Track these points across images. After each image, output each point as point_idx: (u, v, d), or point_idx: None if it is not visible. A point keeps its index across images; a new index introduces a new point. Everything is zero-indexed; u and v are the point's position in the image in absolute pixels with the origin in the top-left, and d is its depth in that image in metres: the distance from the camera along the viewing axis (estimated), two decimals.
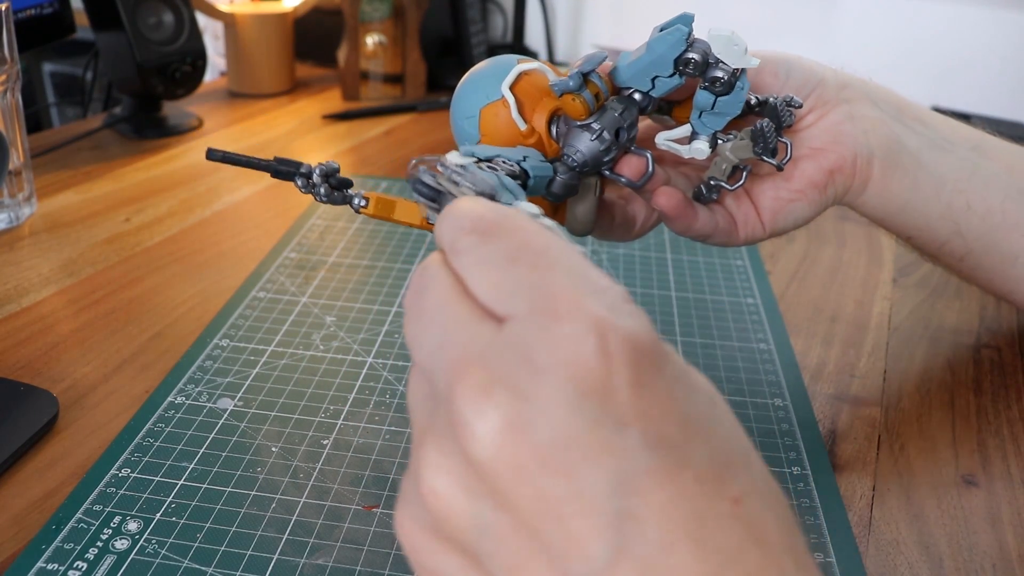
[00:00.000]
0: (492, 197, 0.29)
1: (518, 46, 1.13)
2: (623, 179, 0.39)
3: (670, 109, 0.42)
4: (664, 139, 0.40)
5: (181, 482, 0.39)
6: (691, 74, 0.37)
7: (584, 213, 0.40)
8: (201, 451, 0.41)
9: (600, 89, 0.38)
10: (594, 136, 0.37)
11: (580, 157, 0.37)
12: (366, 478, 0.40)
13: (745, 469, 0.20)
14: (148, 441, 0.42)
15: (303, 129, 0.89)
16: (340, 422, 0.44)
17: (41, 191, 0.70)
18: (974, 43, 0.97)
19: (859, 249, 0.66)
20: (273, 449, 0.42)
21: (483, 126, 0.37)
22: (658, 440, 0.19)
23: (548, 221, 0.25)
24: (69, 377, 0.47)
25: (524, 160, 0.36)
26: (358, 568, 0.35)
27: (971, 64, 0.98)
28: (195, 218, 0.67)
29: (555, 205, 0.40)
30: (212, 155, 0.37)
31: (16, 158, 0.63)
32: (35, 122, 1.34)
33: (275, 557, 0.35)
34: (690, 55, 0.37)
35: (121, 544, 0.36)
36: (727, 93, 0.38)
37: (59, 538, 0.36)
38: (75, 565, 0.34)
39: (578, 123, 0.38)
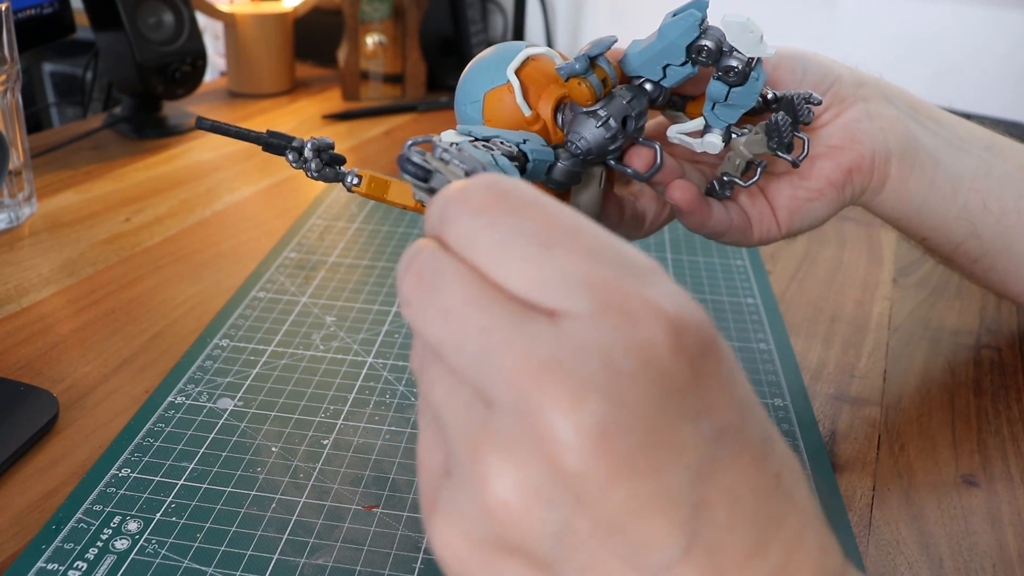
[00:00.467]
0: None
1: None
2: (630, 170, 0.38)
3: (684, 105, 0.41)
4: (676, 132, 0.39)
5: (181, 482, 0.39)
6: (704, 63, 0.36)
7: (588, 204, 0.39)
8: (201, 451, 0.41)
9: (608, 74, 0.36)
10: (600, 123, 0.36)
11: (584, 144, 0.36)
12: (366, 478, 0.40)
13: (778, 441, 0.21)
14: (148, 441, 0.42)
15: (303, 129, 0.89)
16: (340, 422, 0.44)
17: (41, 191, 0.70)
18: (974, 43, 0.97)
19: (859, 249, 0.66)
20: (273, 449, 0.42)
21: (487, 111, 0.36)
22: (723, 428, 0.19)
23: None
24: (69, 377, 0.47)
25: (524, 143, 0.35)
26: (358, 568, 0.35)
27: (971, 64, 0.98)
28: (195, 218, 0.67)
29: (558, 194, 0.38)
30: (202, 124, 0.37)
31: (16, 158, 0.63)
32: (35, 122, 1.34)
33: (275, 557, 0.35)
34: (703, 42, 0.35)
35: (121, 544, 0.36)
36: (741, 84, 0.37)
37: (59, 538, 0.36)
38: (75, 565, 0.34)
39: (584, 109, 0.36)
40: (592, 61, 0.35)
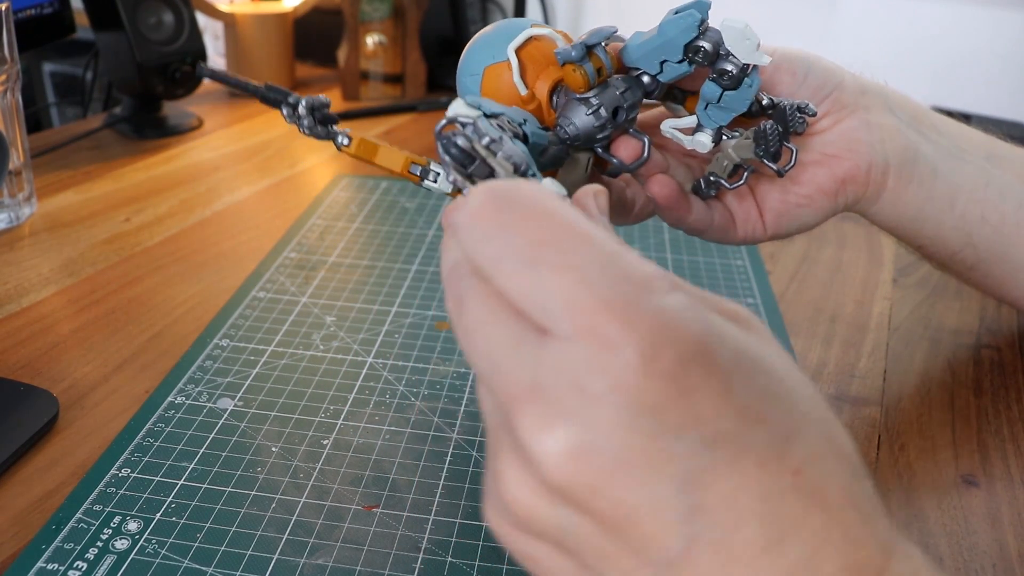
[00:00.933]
0: (524, 173, 0.28)
1: None
2: (615, 160, 0.38)
3: (683, 98, 0.41)
4: (669, 127, 0.40)
5: (181, 482, 0.39)
6: (700, 63, 0.36)
7: (573, 186, 0.39)
8: (201, 451, 0.41)
9: (604, 64, 0.36)
10: (590, 111, 0.36)
11: (572, 130, 0.37)
12: (366, 478, 0.40)
13: (804, 435, 0.21)
14: (148, 441, 0.42)
15: None
16: (340, 422, 0.44)
17: (41, 191, 0.70)
18: (974, 43, 0.97)
19: (859, 249, 0.66)
20: (273, 449, 0.42)
21: (485, 85, 0.37)
22: (715, 437, 0.20)
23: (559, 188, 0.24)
24: (69, 377, 0.47)
25: (525, 123, 0.35)
26: (358, 568, 0.35)
27: (971, 64, 0.98)
28: (195, 218, 0.67)
29: (545, 173, 0.39)
30: (201, 72, 0.37)
31: (16, 158, 0.63)
32: (35, 122, 1.34)
33: (275, 557, 0.35)
34: (700, 43, 0.36)
35: (121, 544, 0.36)
36: (734, 88, 0.37)
37: (59, 538, 0.36)
38: (75, 565, 0.34)
39: (576, 96, 0.36)
40: (589, 49, 0.36)
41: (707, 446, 0.20)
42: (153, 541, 0.36)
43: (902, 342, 0.54)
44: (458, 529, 0.38)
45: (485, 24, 1.10)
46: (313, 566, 0.35)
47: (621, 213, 0.42)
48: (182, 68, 0.84)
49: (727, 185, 0.41)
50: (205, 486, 0.39)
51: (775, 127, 0.38)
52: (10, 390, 0.44)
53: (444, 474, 0.41)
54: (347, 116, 0.93)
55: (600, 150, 0.38)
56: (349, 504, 0.39)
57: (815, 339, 0.54)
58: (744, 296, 0.58)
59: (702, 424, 0.20)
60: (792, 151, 0.40)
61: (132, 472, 0.40)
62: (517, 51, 0.36)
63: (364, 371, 0.48)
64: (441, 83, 1.02)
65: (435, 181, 0.37)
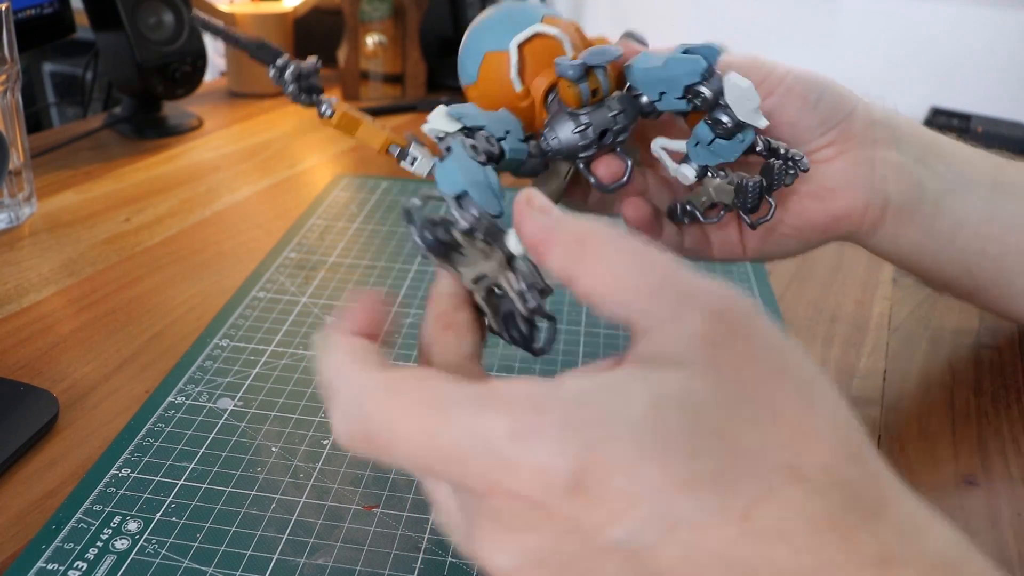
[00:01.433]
0: (496, 231, 0.28)
1: None
2: (593, 180, 0.38)
3: (686, 113, 0.40)
4: (659, 146, 0.39)
5: (181, 482, 0.39)
6: (697, 106, 0.36)
7: (551, 192, 0.39)
8: (201, 451, 0.41)
9: (600, 86, 0.36)
10: (578, 128, 0.36)
11: (556, 144, 0.36)
12: (366, 478, 0.40)
13: (750, 476, 0.20)
14: (148, 441, 0.42)
15: (303, 129, 0.90)
16: None
17: (41, 191, 0.70)
18: (974, 43, 0.97)
19: (859, 249, 0.65)
20: (273, 449, 0.42)
21: (483, 70, 0.36)
22: (641, 523, 0.20)
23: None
24: (69, 377, 0.47)
25: (507, 134, 0.35)
26: (358, 568, 0.35)
27: (971, 64, 0.98)
28: (195, 218, 0.67)
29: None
30: (194, 21, 0.37)
31: (16, 158, 0.63)
32: (35, 122, 1.34)
33: (275, 557, 0.35)
34: (701, 89, 0.35)
35: (121, 544, 0.36)
36: (726, 139, 0.37)
37: (59, 538, 0.36)
38: (75, 565, 0.34)
39: (568, 110, 0.36)
40: (589, 69, 0.35)
41: (631, 537, 0.20)
42: (153, 541, 0.36)
43: (902, 342, 0.54)
44: None
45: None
46: (313, 566, 0.35)
47: (600, 210, 0.42)
48: (182, 68, 0.84)
49: (702, 219, 0.40)
50: (205, 486, 0.39)
51: (757, 185, 0.38)
52: (10, 390, 0.44)
53: None
54: None
55: (581, 165, 0.38)
56: (349, 504, 0.39)
57: (815, 339, 0.54)
58: None
59: (614, 523, 0.20)
60: (771, 206, 0.39)
61: (132, 472, 0.40)
62: (520, 45, 0.36)
63: None
64: (441, 83, 1.02)
65: (412, 164, 0.36)
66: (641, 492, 0.20)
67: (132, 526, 0.37)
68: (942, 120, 0.92)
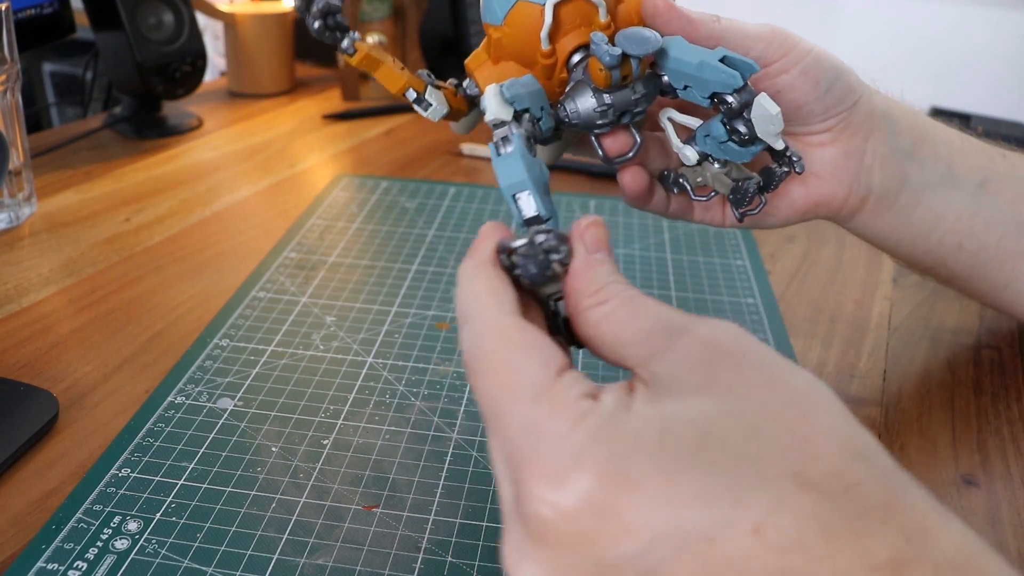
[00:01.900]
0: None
1: None
2: (600, 152, 0.38)
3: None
4: (667, 118, 0.39)
5: (181, 482, 0.39)
6: (720, 112, 0.36)
7: (549, 154, 0.40)
8: (201, 451, 0.41)
9: (632, 73, 0.35)
10: (599, 107, 0.36)
11: (575, 117, 0.36)
12: (366, 478, 0.40)
13: (758, 487, 0.20)
14: (148, 441, 0.42)
15: (303, 129, 0.89)
16: (340, 422, 0.44)
17: (41, 191, 0.70)
18: (974, 43, 0.97)
19: (859, 249, 0.66)
20: (273, 449, 0.42)
21: (512, 16, 0.36)
22: (653, 541, 0.20)
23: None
24: (69, 377, 0.47)
25: (542, 115, 0.35)
26: (358, 568, 0.35)
27: (971, 64, 0.98)
28: (195, 218, 0.67)
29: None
30: None
31: (16, 158, 0.63)
32: (35, 122, 1.34)
33: (275, 557, 0.35)
34: (729, 99, 0.35)
35: (121, 544, 0.36)
36: (739, 146, 0.37)
37: (59, 538, 0.36)
38: (75, 565, 0.34)
39: (593, 85, 0.36)
40: (625, 58, 0.35)
41: (645, 551, 0.20)
42: (153, 541, 0.36)
43: (902, 342, 0.54)
44: (458, 529, 0.38)
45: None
46: (313, 566, 0.35)
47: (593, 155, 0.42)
48: (182, 68, 0.84)
49: (692, 195, 0.41)
50: (205, 486, 0.39)
51: (755, 186, 0.38)
52: (10, 390, 0.44)
53: (444, 474, 0.41)
54: (347, 116, 0.93)
55: (592, 136, 0.38)
56: (349, 504, 0.39)
57: (815, 339, 0.54)
58: (744, 296, 0.58)
59: (628, 538, 0.20)
60: (762, 201, 0.40)
61: (132, 472, 0.40)
62: (556, 6, 0.35)
63: (364, 371, 0.48)
64: None
65: (426, 110, 0.37)
66: (653, 508, 0.20)
67: (132, 526, 0.37)
68: (942, 120, 0.92)
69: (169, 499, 0.38)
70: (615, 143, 0.38)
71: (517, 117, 0.34)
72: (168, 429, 0.43)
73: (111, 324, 0.52)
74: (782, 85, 0.39)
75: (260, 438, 0.43)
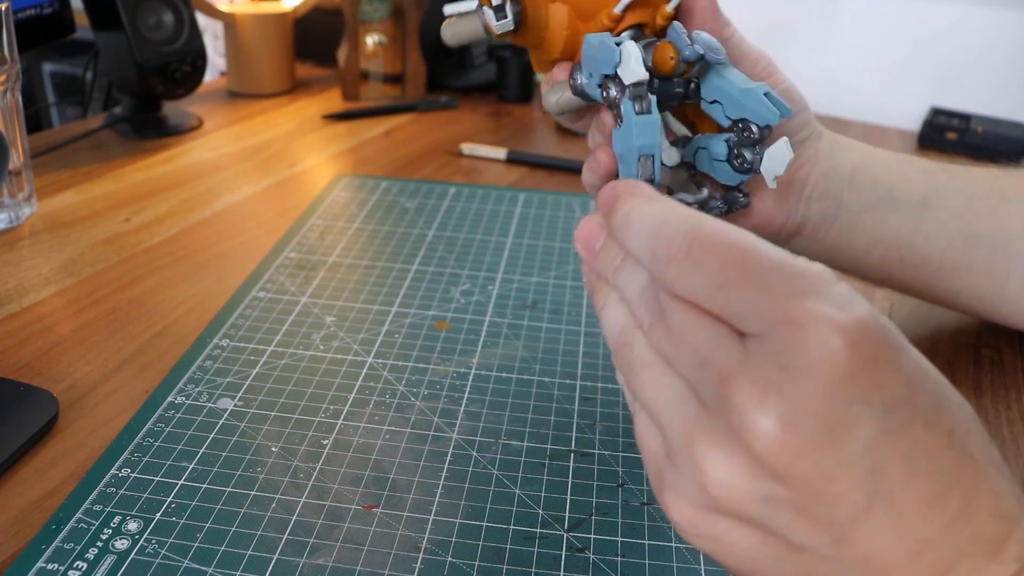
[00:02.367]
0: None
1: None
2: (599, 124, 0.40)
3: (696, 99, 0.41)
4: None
5: (181, 482, 0.39)
6: (737, 136, 0.37)
7: (559, 101, 0.41)
8: (201, 451, 0.41)
9: (692, 72, 0.37)
10: (636, 104, 0.35)
11: (578, 80, 0.37)
12: (366, 478, 0.40)
13: (948, 402, 0.24)
14: (148, 441, 0.42)
15: (303, 129, 0.89)
16: (340, 422, 0.44)
17: (41, 191, 0.70)
18: (974, 43, 0.97)
19: None
20: (273, 449, 0.42)
21: None
22: (893, 403, 0.23)
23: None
24: (69, 377, 0.47)
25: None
26: (358, 568, 0.35)
27: (971, 64, 0.98)
28: (195, 218, 0.67)
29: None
30: None
31: (16, 158, 0.63)
32: (35, 122, 1.34)
33: (275, 557, 0.35)
34: (754, 128, 0.36)
35: (121, 544, 0.36)
36: (732, 170, 0.38)
37: (59, 538, 0.36)
38: (75, 565, 0.34)
39: (650, 66, 0.36)
40: (701, 57, 0.36)
41: (888, 411, 0.23)
42: (153, 541, 0.36)
43: None
44: (458, 529, 0.38)
45: None
46: (313, 566, 0.35)
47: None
48: (182, 68, 0.84)
49: (655, 187, 0.41)
50: (205, 486, 0.39)
51: (719, 208, 0.40)
52: (10, 390, 0.44)
53: (444, 474, 0.41)
54: (347, 116, 0.93)
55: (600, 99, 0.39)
56: (349, 504, 0.39)
57: None
58: None
59: (884, 391, 0.23)
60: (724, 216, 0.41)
61: (132, 472, 0.40)
62: None
63: (364, 371, 0.48)
64: (441, 83, 1.02)
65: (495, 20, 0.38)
66: (900, 377, 0.23)
67: (132, 526, 0.37)
68: (942, 120, 0.92)
69: (169, 499, 0.38)
70: (611, 119, 0.39)
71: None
72: (168, 429, 0.43)
73: (111, 324, 0.52)
74: None
75: (260, 438, 0.43)
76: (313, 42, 1.09)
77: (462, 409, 0.45)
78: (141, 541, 0.36)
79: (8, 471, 0.40)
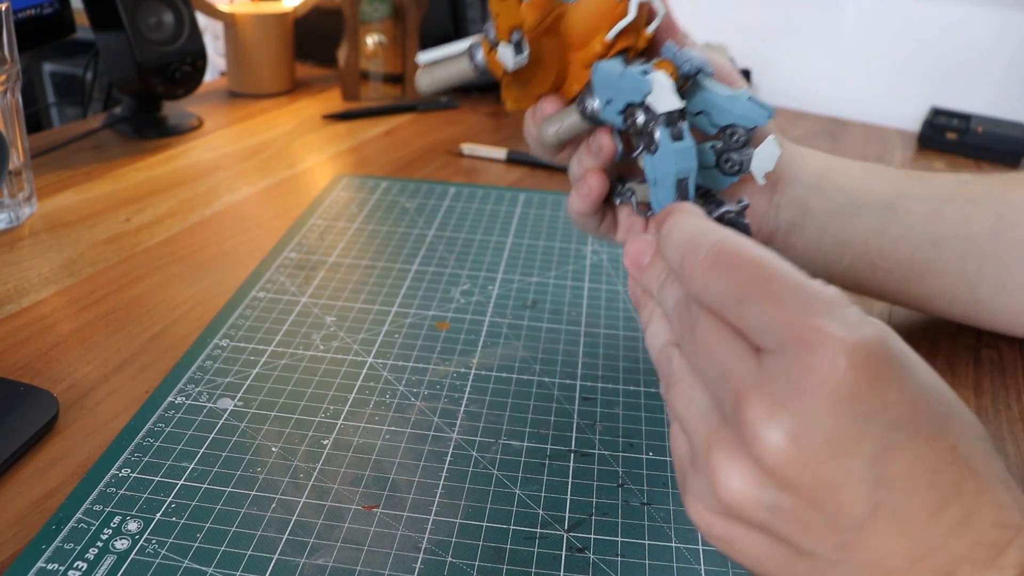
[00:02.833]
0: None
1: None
2: (620, 149, 0.40)
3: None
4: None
5: (181, 482, 0.39)
6: (725, 139, 0.38)
7: (559, 130, 0.41)
8: (201, 451, 0.41)
9: (687, 85, 0.37)
10: (671, 130, 0.36)
11: (590, 106, 0.38)
12: (366, 478, 0.40)
13: (954, 416, 0.25)
14: (148, 441, 0.42)
15: (303, 129, 0.89)
16: (340, 422, 0.44)
17: (41, 191, 0.70)
18: (974, 43, 0.97)
19: None
20: (273, 449, 0.42)
21: None
22: (897, 420, 0.24)
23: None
24: (69, 377, 0.47)
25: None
26: (358, 568, 0.35)
27: (971, 64, 0.98)
28: (195, 218, 0.67)
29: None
30: None
31: (16, 158, 0.63)
32: (35, 122, 1.34)
33: (275, 557, 0.35)
34: (740, 131, 0.37)
35: (121, 544, 0.36)
36: (724, 174, 0.39)
37: (59, 538, 0.36)
38: (75, 565, 0.35)
39: (671, 112, 0.36)
40: (699, 71, 0.37)
41: (891, 427, 0.24)
42: (153, 541, 0.36)
43: None
44: (458, 529, 0.38)
45: (485, 24, 1.10)
46: (313, 566, 0.35)
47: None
48: (182, 68, 0.84)
49: (635, 208, 0.42)
50: (205, 486, 0.39)
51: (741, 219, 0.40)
52: (10, 390, 0.44)
53: (444, 474, 0.41)
54: (347, 116, 0.93)
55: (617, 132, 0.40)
56: (349, 504, 0.39)
57: None
58: None
59: (887, 408, 0.24)
60: None
61: (132, 472, 0.40)
62: (640, 4, 0.37)
63: (364, 371, 0.48)
64: None
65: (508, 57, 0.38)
66: (904, 393, 0.24)
67: (132, 526, 0.37)
68: (942, 120, 0.92)
69: (169, 499, 0.38)
70: (611, 142, 0.40)
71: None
72: (168, 429, 0.43)
73: (111, 324, 0.52)
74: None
75: (260, 438, 0.43)
76: (313, 42, 1.09)
77: (462, 409, 0.45)
78: (141, 541, 0.36)
79: (8, 471, 0.40)
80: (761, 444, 0.24)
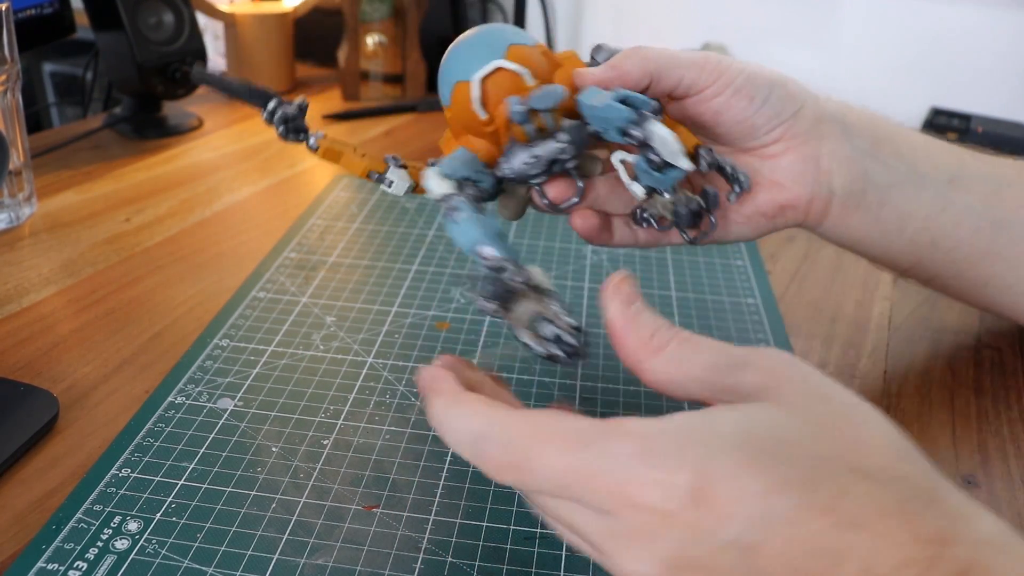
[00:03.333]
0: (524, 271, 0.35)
1: None
2: (545, 200, 0.41)
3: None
4: (618, 160, 0.40)
5: (181, 482, 0.39)
6: (627, 139, 0.38)
7: (511, 209, 0.44)
8: (201, 451, 0.41)
9: (546, 124, 0.38)
10: (529, 159, 0.39)
11: (509, 172, 0.40)
12: (366, 478, 0.40)
13: (828, 477, 0.25)
14: (148, 441, 0.42)
15: None
16: (340, 422, 0.44)
17: (41, 191, 0.70)
18: (974, 43, 0.97)
19: None
20: (273, 449, 0.42)
21: (455, 97, 0.40)
22: (743, 528, 0.24)
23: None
24: (69, 377, 0.47)
25: (481, 177, 0.40)
26: (358, 568, 0.35)
27: (971, 64, 0.98)
28: (195, 218, 0.67)
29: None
30: (196, 76, 0.42)
31: (16, 158, 0.63)
32: (35, 122, 1.34)
33: (275, 557, 0.36)
34: (635, 132, 0.37)
35: (121, 544, 0.36)
36: (658, 172, 0.39)
37: (59, 538, 0.36)
38: (75, 565, 0.35)
39: (519, 144, 0.39)
40: (534, 112, 0.38)
41: (738, 541, 0.24)
42: (153, 541, 0.36)
43: (902, 342, 0.54)
44: (458, 529, 0.38)
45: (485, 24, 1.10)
46: (313, 566, 0.35)
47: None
48: (182, 68, 0.84)
49: (656, 227, 0.42)
50: (205, 486, 0.39)
51: (689, 211, 0.40)
52: (10, 390, 0.44)
53: (444, 474, 0.41)
54: (347, 116, 0.93)
55: (536, 187, 0.41)
56: (349, 504, 0.39)
57: (815, 339, 0.54)
58: (744, 296, 0.58)
59: (728, 523, 0.24)
60: (712, 222, 0.41)
61: (132, 472, 0.40)
62: (483, 79, 0.39)
63: (364, 371, 0.48)
64: None
65: (390, 187, 0.42)
66: (745, 496, 0.24)
67: (132, 526, 0.37)
68: (942, 120, 0.92)
69: (169, 499, 0.38)
70: (557, 191, 0.41)
71: (460, 187, 0.39)
72: (168, 429, 0.43)
73: (111, 324, 0.52)
74: (718, 106, 0.41)
75: (260, 438, 0.43)
76: (313, 42, 1.09)
77: None
78: (141, 541, 0.36)
79: (8, 471, 0.40)
80: (628, 572, 0.26)
